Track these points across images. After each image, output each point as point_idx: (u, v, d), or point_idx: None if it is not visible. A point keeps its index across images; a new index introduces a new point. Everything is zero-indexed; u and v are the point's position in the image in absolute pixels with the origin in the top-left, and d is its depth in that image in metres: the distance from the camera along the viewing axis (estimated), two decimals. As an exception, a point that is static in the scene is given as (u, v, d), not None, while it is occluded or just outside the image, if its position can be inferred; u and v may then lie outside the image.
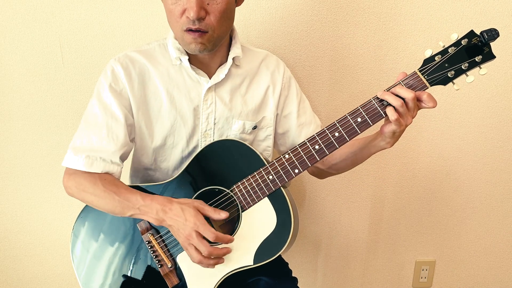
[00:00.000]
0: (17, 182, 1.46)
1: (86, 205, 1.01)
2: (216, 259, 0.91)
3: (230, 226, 0.99)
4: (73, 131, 1.40)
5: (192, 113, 1.01)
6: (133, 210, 0.92)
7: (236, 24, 1.33)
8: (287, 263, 1.16)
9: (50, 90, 1.36)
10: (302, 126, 1.11)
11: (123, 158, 0.99)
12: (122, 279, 0.98)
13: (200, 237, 0.88)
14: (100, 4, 1.29)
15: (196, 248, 0.88)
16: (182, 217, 0.88)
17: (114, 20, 1.31)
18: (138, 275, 0.98)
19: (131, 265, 0.98)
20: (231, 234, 0.94)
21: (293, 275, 1.12)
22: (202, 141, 1.03)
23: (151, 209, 0.91)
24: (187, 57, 0.97)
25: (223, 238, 0.90)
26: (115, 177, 0.97)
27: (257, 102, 1.06)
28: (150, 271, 0.97)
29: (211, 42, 0.92)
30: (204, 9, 0.87)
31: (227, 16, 0.92)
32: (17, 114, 1.38)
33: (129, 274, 0.98)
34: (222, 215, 0.91)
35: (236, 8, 1.35)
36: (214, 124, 1.03)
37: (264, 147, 1.10)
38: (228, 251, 0.91)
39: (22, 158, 1.43)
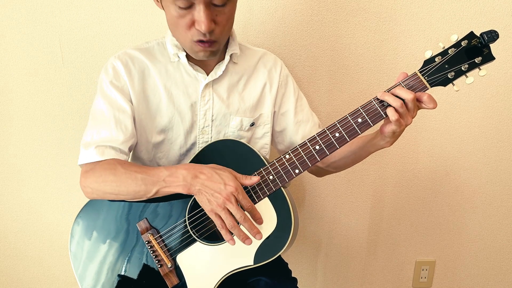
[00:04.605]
0: (17, 182, 1.46)
1: (85, 205, 1.00)
2: (245, 234, 0.87)
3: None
4: (73, 131, 1.41)
5: (189, 109, 1.02)
6: (158, 185, 0.89)
7: (236, 24, 1.33)
8: (286, 263, 1.16)
9: (50, 90, 1.36)
10: (299, 124, 1.11)
11: (130, 150, 1.00)
12: (121, 279, 0.98)
13: (237, 203, 0.86)
14: (100, 4, 1.29)
15: (229, 214, 0.85)
16: (221, 181, 0.86)
17: (114, 20, 1.31)
18: (138, 275, 0.97)
19: (131, 265, 0.98)
20: (231, 234, 0.94)
21: (292, 275, 1.12)
22: (200, 138, 1.04)
23: (177, 177, 0.88)
24: (184, 53, 0.98)
25: (256, 212, 0.88)
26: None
27: (255, 99, 1.07)
28: (150, 271, 0.97)
29: (219, 49, 0.96)
30: (214, 21, 0.88)
31: (232, 22, 0.94)
32: (17, 114, 1.38)
33: (128, 274, 0.98)
34: (254, 179, 0.89)
35: (236, 8, 1.35)
36: (212, 120, 1.03)
37: (262, 144, 1.11)
38: (259, 235, 0.88)
39: (22, 158, 1.43)
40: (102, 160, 0.93)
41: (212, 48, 0.92)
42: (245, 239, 0.88)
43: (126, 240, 0.98)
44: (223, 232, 0.87)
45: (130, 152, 1.01)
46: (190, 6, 0.85)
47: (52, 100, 1.38)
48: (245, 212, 0.87)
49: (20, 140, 1.41)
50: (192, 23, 0.88)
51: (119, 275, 0.98)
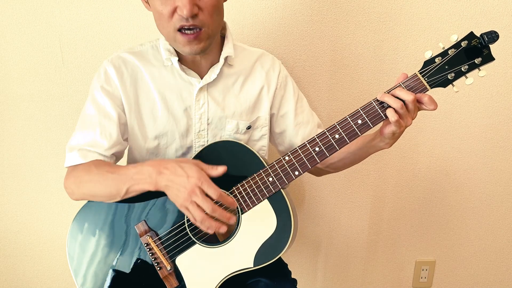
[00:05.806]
0: (17, 182, 1.46)
1: (83, 206, 1.00)
2: (218, 222, 0.84)
3: (229, 228, 0.98)
4: (73, 131, 1.39)
5: (184, 113, 1.01)
6: (127, 183, 0.88)
7: (235, 24, 1.33)
8: (286, 264, 1.15)
9: (50, 90, 1.36)
10: (299, 126, 1.10)
11: (117, 156, 1.01)
12: (120, 282, 0.97)
13: (204, 194, 0.83)
14: (100, 4, 1.29)
15: (198, 206, 0.83)
16: (184, 174, 0.84)
17: (114, 20, 1.31)
18: (137, 278, 0.97)
19: (129, 268, 0.97)
20: (230, 237, 0.94)
21: (293, 275, 1.11)
22: (196, 142, 1.03)
23: (143, 174, 0.87)
24: (176, 58, 0.97)
25: (226, 198, 0.85)
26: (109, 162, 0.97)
27: (251, 101, 1.05)
28: (149, 274, 0.97)
29: (208, 40, 0.91)
30: (197, 5, 0.86)
31: (219, 11, 0.91)
32: (17, 114, 1.38)
33: (127, 277, 0.97)
34: (220, 169, 0.87)
35: (236, 8, 1.35)
36: (208, 124, 1.02)
37: (259, 146, 1.10)
38: (233, 219, 0.85)
39: (22, 158, 1.43)
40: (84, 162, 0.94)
41: (198, 40, 0.89)
42: (219, 228, 0.84)
43: (124, 242, 0.98)
44: (197, 225, 0.85)
45: (118, 157, 1.02)
46: None
47: (52, 100, 1.37)
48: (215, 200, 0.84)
49: (20, 140, 1.41)
50: (175, 10, 0.86)
51: (117, 278, 0.98)
